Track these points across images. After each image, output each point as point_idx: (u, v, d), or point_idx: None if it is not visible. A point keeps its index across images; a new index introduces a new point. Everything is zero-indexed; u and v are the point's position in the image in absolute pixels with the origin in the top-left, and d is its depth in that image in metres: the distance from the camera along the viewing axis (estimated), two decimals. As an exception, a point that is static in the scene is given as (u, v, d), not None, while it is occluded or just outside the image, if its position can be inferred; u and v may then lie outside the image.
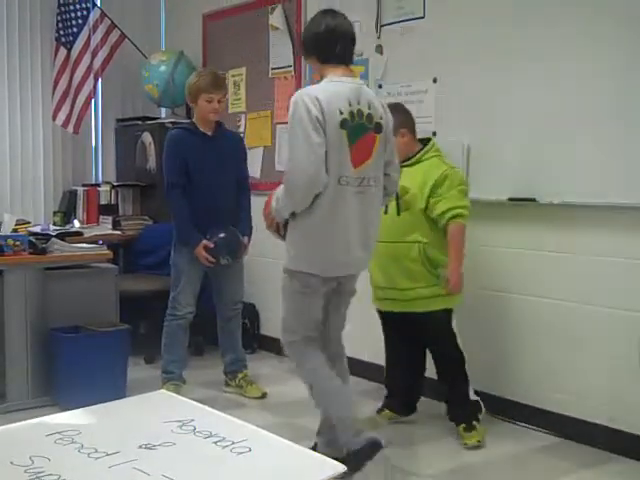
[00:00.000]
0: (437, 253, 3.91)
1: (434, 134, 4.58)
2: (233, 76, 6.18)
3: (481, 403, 4.02)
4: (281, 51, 5.71)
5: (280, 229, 3.48)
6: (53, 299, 4.48)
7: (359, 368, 4.70)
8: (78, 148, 6.71)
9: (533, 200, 4.08)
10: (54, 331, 4.41)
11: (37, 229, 5.14)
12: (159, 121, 6.38)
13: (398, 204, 3.92)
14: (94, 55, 6.38)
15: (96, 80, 6.48)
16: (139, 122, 6.48)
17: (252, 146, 5.99)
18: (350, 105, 3.26)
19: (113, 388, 4.35)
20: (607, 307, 3.84)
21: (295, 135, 3.23)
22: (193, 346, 5.31)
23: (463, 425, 3.97)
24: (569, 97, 3.92)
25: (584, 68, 3.85)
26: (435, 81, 4.59)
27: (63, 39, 6.39)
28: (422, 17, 4.66)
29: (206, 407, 1.27)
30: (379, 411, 4.32)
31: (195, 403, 1.30)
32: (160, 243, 5.32)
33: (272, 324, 5.76)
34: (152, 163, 6.25)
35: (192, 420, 1.23)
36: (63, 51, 6.38)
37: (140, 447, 1.01)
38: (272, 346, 5.74)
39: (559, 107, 3.97)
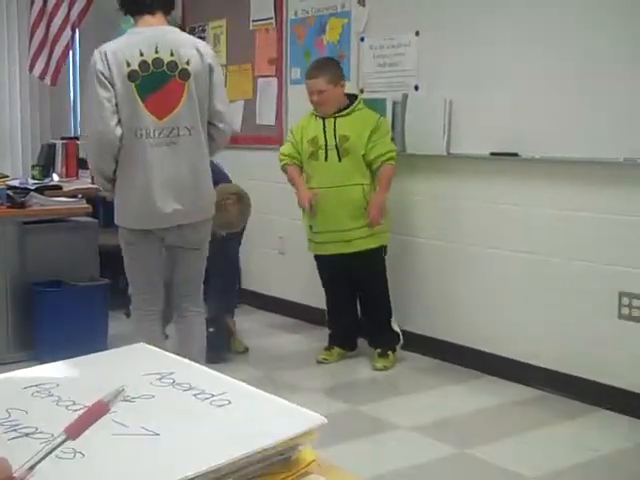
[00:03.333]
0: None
1: (416, 88, 4.56)
2: (213, 28, 6.09)
3: (400, 335, 4.48)
4: (262, 3, 5.63)
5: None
6: (33, 253, 4.45)
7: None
8: (56, 100, 6.63)
9: (515, 155, 4.08)
10: (34, 285, 4.39)
11: (15, 183, 5.08)
12: (138, 74, 6.29)
13: (338, 151, 4.27)
14: (71, 6, 6.27)
15: (73, 31, 6.38)
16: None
17: (233, 99, 5.93)
18: (142, 55, 3.23)
19: (94, 342, 4.34)
20: (588, 261, 3.86)
21: (88, 92, 3.30)
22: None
23: (379, 350, 4.44)
24: (552, 51, 3.90)
25: (568, 22, 3.82)
26: (417, 34, 4.53)
27: (39, -11, 6.27)
28: (405, -32, 4.60)
29: (185, 360, 1.25)
30: (328, 349, 4.60)
31: (174, 356, 1.29)
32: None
33: (254, 278, 5.77)
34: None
35: (171, 373, 1.21)
36: (39, 1, 6.26)
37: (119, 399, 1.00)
38: (254, 300, 5.76)
39: (542, 62, 3.94)
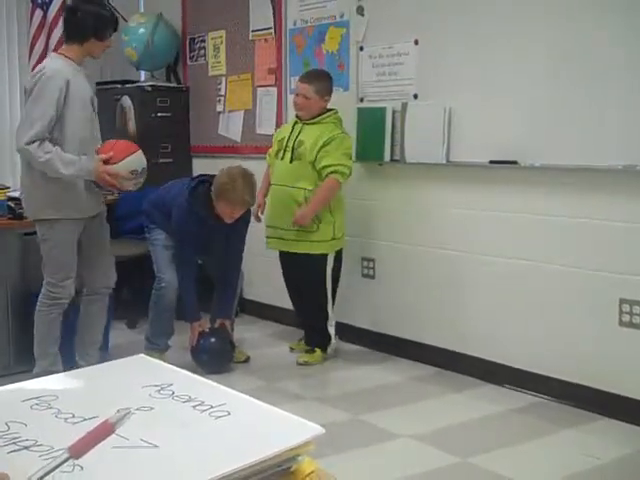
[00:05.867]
0: None
1: (415, 97, 4.57)
2: (213, 39, 6.11)
3: (332, 337, 4.67)
4: (261, 13, 5.64)
5: None
6: (33, 265, 4.43)
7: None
8: (57, 112, 6.62)
9: (515, 163, 4.08)
10: (35, 297, 4.37)
11: (16, 194, 5.08)
12: (138, 84, 6.30)
13: (293, 154, 4.50)
14: (71, 17, 6.26)
15: (74, 43, 6.37)
16: (118, 86, 6.39)
17: (232, 109, 5.95)
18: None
19: (95, 353, 4.33)
20: (588, 268, 3.86)
21: None
22: (177, 310, 5.29)
23: (308, 348, 4.73)
24: (551, 60, 3.91)
25: (567, 31, 3.83)
26: (417, 43, 4.55)
27: (39, 0, 6.27)
28: (403, -23, 4.61)
29: (184, 371, 1.26)
30: (299, 340, 4.95)
31: (174, 367, 1.29)
32: (140, 208, 5.29)
33: (255, 288, 5.77)
34: (132, 127, 6.18)
35: (171, 384, 1.22)
36: (39, 13, 6.26)
37: (118, 411, 1.00)
38: (255, 310, 5.76)
39: (541, 70, 3.95)
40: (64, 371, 1.33)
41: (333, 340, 4.71)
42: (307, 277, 4.65)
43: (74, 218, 3.97)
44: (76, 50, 3.91)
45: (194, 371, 1.31)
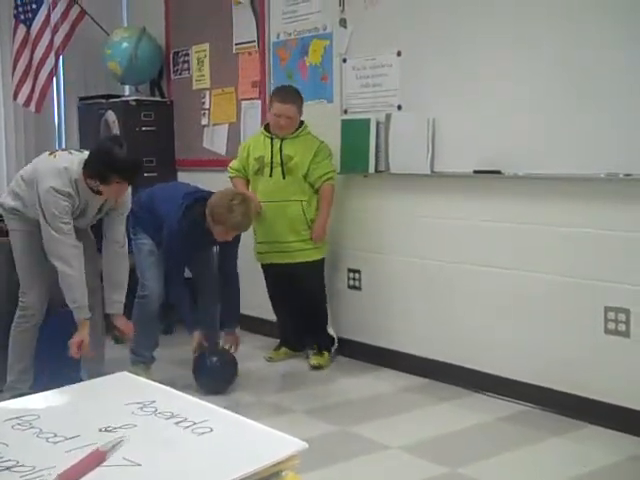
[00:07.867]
0: (312, 210, 4.72)
1: (399, 108, 4.58)
2: (197, 52, 6.12)
3: (335, 339, 4.91)
4: (244, 26, 5.66)
5: None
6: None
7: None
8: (41, 127, 6.61)
9: (498, 172, 4.10)
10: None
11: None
12: (123, 99, 6.30)
13: (283, 169, 4.64)
14: (54, 32, 6.25)
15: (57, 57, 6.35)
16: (102, 100, 6.38)
17: (217, 123, 5.96)
18: None
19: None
20: (573, 277, 3.87)
21: None
22: (163, 324, 5.27)
23: (314, 350, 4.84)
24: (534, 70, 3.93)
25: (551, 41, 3.86)
26: (399, 54, 4.57)
27: (22, 16, 6.25)
28: (385, -10, 4.63)
29: (167, 388, 1.26)
30: (277, 349, 5.07)
31: (156, 384, 1.29)
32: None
33: (244, 301, 5.75)
34: (117, 141, 6.16)
35: (153, 401, 1.22)
36: (22, 28, 6.24)
37: (100, 430, 1.00)
38: (243, 323, 5.74)
39: (524, 80, 3.98)
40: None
41: (336, 342, 4.91)
42: (309, 283, 4.80)
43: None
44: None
45: (181, 386, 1.31)
